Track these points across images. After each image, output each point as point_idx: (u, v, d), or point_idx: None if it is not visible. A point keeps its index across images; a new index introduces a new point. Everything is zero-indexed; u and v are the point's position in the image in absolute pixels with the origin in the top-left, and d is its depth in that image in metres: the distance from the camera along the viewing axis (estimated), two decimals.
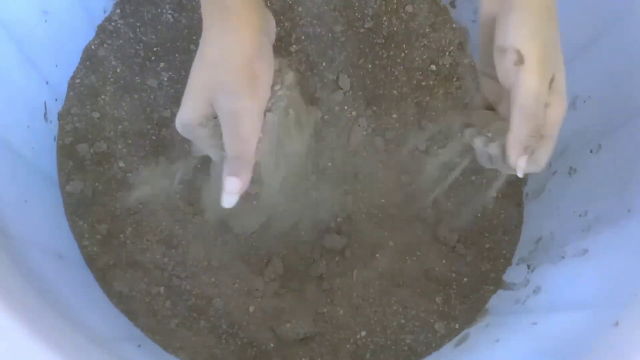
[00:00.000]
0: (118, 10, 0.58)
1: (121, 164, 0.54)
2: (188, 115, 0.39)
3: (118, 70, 0.57)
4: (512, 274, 0.55)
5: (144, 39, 0.58)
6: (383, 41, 0.60)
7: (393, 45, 0.61)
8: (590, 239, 0.48)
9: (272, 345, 0.52)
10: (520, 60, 0.38)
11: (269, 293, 0.53)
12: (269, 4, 0.60)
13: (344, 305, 0.54)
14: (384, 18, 0.61)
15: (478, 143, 0.43)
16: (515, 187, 0.59)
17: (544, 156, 0.41)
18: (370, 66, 0.60)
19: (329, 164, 0.58)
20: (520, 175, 0.41)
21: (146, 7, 0.58)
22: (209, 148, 0.40)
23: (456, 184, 0.59)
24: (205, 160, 0.54)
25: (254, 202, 0.54)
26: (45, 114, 0.52)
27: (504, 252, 0.57)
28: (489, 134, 0.42)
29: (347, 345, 0.52)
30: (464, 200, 0.58)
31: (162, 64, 0.58)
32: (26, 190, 0.47)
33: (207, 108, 0.39)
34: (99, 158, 0.54)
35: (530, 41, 0.38)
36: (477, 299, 0.55)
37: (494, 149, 0.42)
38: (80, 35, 0.56)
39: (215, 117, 0.39)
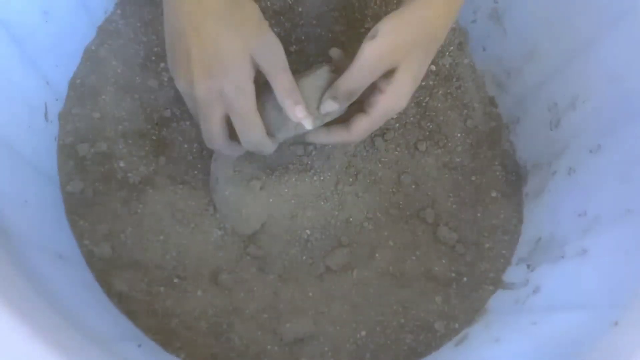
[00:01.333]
0: (119, 11, 0.58)
1: (121, 164, 0.54)
2: (242, 76, 0.44)
3: (118, 70, 0.57)
4: (512, 274, 0.55)
5: (144, 39, 0.58)
6: None
7: None
8: (590, 239, 0.48)
9: (272, 345, 0.52)
10: (373, 36, 0.44)
11: (269, 293, 0.54)
12: (269, 4, 0.60)
13: (344, 305, 0.54)
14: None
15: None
16: (515, 187, 0.59)
17: (357, 129, 0.48)
18: None
19: (329, 163, 0.58)
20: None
21: (147, 8, 0.59)
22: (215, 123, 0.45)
23: (456, 183, 0.59)
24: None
25: (256, 198, 0.54)
26: (45, 114, 0.52)
27: (504, 252, 0.57)
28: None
29: (347, 345, 0.52)
30: (464, 200, 0.59)
31: (162, 64, 0.58)
32: (26, 190, 0.47)
33: (252, 70, 0.45)
34: (100, 158, 0.54)
35: (389, 29, 0.44)
36: (476, 299, 0.55)
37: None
38: (80, 35, 0.56)
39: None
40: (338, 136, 0.49)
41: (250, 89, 0.45)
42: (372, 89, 0.47)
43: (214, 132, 0.47)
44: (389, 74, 0.45)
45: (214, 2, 0.43)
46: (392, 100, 0.46)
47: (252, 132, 0.47)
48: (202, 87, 0.44)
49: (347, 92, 0.46)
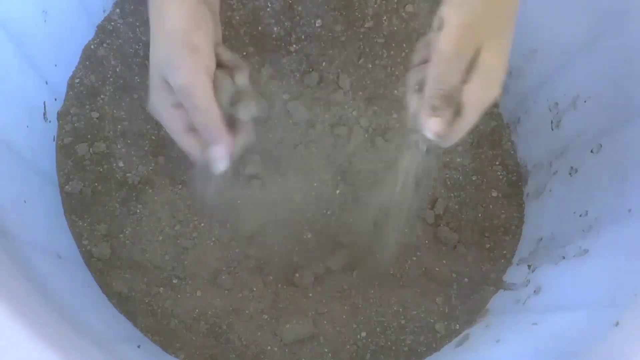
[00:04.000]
0: (117, 10, 0.58)
1: (120, 164, 0.54)
2: (153, 99, 0.41)
3: (117, 69, 0.57)
4: (513, 274, 0.55)
5: (143, 38, 0.58)
6: (383, 41, 0.60)
7: (393, 44, 0.60)
8: (591, 239, 0.48)
9: (272, 345, 0.51)
10: (440, 26, 0.39)
11: (269, 293, 0.53)
12: (269, 4, 0.60)
13: (344, 305, 0.54)
14: (384, 17, 0.61)
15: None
16: (515, 187, 0.59)
17: (454, 134, 0.41)
18: (370, 66, 0.60)
19: (330, 164, 0.57)
20: (430, 137, 0.41)
21: (146, 7, 0.58)
22: (177, 134, 0.42)
23: (457, 183, 0.59)
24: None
25: (256, 198, 0.54)
26: (44, 113, 0.52)
27: (505, 252, 0.57)
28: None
29: (347, 346, 0.52)
30: (464, 201, 0.58)
31: None
32: (25, 190, 0.47)
33: (167, 88, 0.39)
34: (98, 158, 0.54)
35: (454, 10, 0.39)
36: (477, 299, 0.54)
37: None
38: (79, 34, 0.56)
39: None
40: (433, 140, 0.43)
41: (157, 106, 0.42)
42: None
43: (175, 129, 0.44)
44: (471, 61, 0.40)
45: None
46: (483, 87, 0.40)
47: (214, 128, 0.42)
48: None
49: (442, 99, 0.40)
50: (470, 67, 0.39)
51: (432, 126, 0.41)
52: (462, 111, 0.40)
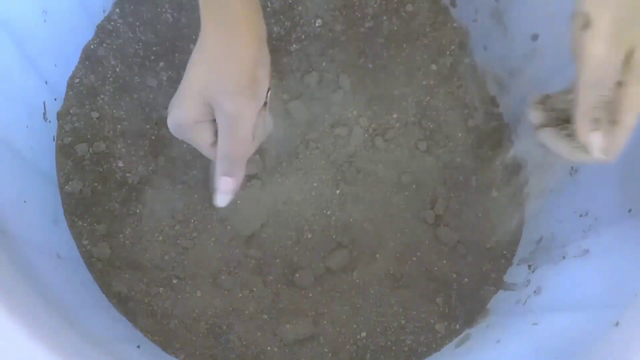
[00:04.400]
0: (117, 10, 0.58)
1: (120, 164, 0.54)
2: (184, 115, 0.40)
3: (117, 69, 0.56)
4: (513, 275, 0.55)
5: (143, 38, 0.58)
6: (383, 40, 0.60)
7: (393, 44, 0.60)
8: (591, 239, 0.48)
9: (272, 346, 0.51)
10: (586, 24, 0.35)
11: (269, 293, 0.53)
12: (269, 3, 0.60)
13: (344, 305, 0.54)
14: (384, 17, 0.61)
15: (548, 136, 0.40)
16: (516, 187, 0.59)
17: (614, 145, 0.37)
18: (370, 66, 0.60)
19: (330, 164, 0.57)
20: (596, 155, 0.37)
21: (145, 7, 0.58)
22: (204, 148, 0.41)
23: (457, 183, 0.59)
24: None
25: (256, 198, 0.54)
26: (44, 113, 0.52)
27: (505, 252, 0.57)
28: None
29: (347, 346, 0.52)
30: (464, 201, 0.58)
31: (161, 64, 0.57)
32: (25, 190, 0.47)
33: (204, 108, 0.39)
34: (98, 158, 0.54)
35: (600, 4, 0.34)
36: (477, 300, 0.54)
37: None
38: (79, 34, 0.56)
39: (211, 119, 0.39)
40: (596, 159, 0.39)
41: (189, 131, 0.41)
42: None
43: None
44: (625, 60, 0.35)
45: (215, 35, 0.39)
46: None
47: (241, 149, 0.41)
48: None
49: (602, 108, 0.36)
50: (624, 68, 0.35)
51: (596, 141, 0.37)
52: (619, 118, 0.36)
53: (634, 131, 0.46)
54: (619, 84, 0.35)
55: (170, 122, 0.41)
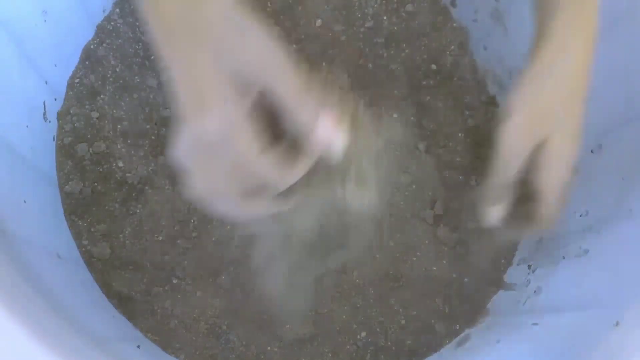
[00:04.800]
0: (117, 10, 0.58)
1: (120, 164, 0.54)
2: (227, 115, 0.30)
3: (117, 69, 0.57)
4: (513, 275, 0.55)
5: (143, 38, 0.58)
6: (383, 40, 0.60)
7: (393, 44, 0.60)
8: (591, 239, 0.48)
9: (272, 346, 0.51)
10: (507, 116, 0.39)
11: (268, 293, 0.53)
12: (269, 4, 0.60)
13: (344, 306, 0.54)
14: (384, 17, 0.61)
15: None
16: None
17: (544, 219, 0.41)
18: (370, 66, 0.60)
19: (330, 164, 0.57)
20: (489, 224, 0.42)
21: None
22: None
23: (457, 183, 0.59)
24: None
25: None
26: (44, 113, 0.52)
27: (505, 252, 0.57)
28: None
29: (348, 346, 0.52)
30: (464, 201, 0.58)
31: (161, 64, 0.57)
32: (25, 190, 0.47)
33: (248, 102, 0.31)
34: (98, 158, 0.54)
35: (520, 99, 0.39)
36: (477, 300, 0.54)
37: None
38: (79, 34, 0.56)
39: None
40: (524, 235, 0.45)
41: (241, 122, 0.31)
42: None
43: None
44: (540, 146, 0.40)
45: (193, 23, 0.30)
46: (555, 173, 0.40)
47: (268, 174, 0.34)
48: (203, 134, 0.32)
49: (503, 190, 0.41)
50: (539, 151, 0.39)
51: (492, 216, 0.42)
52: (540, 197, 0.40)
53: (634, 131, 0.46)
54: (534, 167, 0.40)
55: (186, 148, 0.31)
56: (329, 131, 0.34)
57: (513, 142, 0.39)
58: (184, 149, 0.32)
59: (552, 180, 0.40)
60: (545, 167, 0.39)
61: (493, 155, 0.40)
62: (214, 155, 0.31)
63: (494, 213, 0.42)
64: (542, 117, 0.39)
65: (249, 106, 0.31)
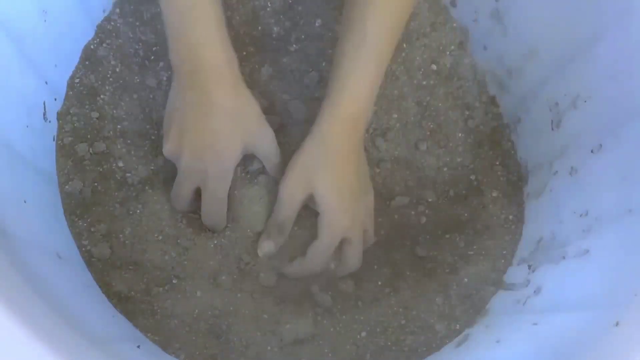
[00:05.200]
0: (117, 10, 0.58)
1: (120, 164, 0.54)
2: (229, 165, 0.51)
3: (117, 69, 0.57)
4: (513, 275, 0.55)
5: (143, 38, 0.58)
6: None
7: None
8: (592, 239, 0.48)
9: (272, 346, 0.51)
10: (283, 169, 0.53)
11: (268, 293, 0.53)
12: (269, 3, 0.60)
13: (344, 305, 0.54)
14: None
15: None
16: (515, 187, 0.59)
17: (311, 254, 0.52)
18: None
19: None
20: (261, 254, 0.53)
21: (145, 7, 0.58)
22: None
23: (457, 183, 0.59)
24: None
25: (259, 197, 0.54)
26: (44, 113, 0.52)
27: (505, 252, 0.57)
28: None
29: (347, 346, 0.52)
30: (464, 201, 0.58)
31: (161, 64, 0.58)
32: (25, 190, 0.47)
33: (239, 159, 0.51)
34: (98, 158, 0.54)
35: (293, 163, 0.51)
36: (477, 300, 0.54)
37: None
38: (79, 34, 0.56)
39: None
40: (298, 266, 0.53)
41: (229, 176, 0.51)
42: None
43: (180, 198, 0.52)
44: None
45: (222, 94, 0.48)
46: (328, 217, 0.50)
47: (216, 214, 0.52)
48: (188, 164, 0.50)
49: (277, 228, 0.52)
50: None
51: (265, 247, 0.52)
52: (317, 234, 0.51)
53: (634, 131, 0.46)
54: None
55: (216, 188, 0.52)
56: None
57: (284, 196, 0.51)
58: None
59: (320, 223, 0.50)
60: (318, 212, 0.50)
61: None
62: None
63: (265, 245, 0.52)
64: (312, 169, 0.49)
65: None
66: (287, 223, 0.51)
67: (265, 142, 0.51)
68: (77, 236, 0.52)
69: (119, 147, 0.55)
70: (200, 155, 0.49)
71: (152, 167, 0.55)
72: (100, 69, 0.56)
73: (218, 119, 0.48)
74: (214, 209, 0.52)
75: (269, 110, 0.57)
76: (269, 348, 0.51)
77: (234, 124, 0.49)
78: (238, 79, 0.49)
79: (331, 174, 0.49)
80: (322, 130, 0.49)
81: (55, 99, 0.54)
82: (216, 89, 0.48)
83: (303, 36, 0.60)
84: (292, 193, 0.50)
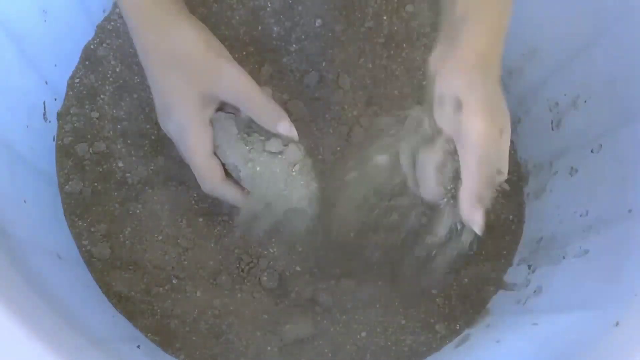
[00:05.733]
0: (117, 10, 0.58)
1: (120, 164, 0.54)
2: (184, 116, 0.44)
3: (117, 69, 0.56)
4: (513, 275, 0.55)
5: None
6: (383, 40, 0.60)
7: (393, 44, 0.60)
8: (591, 239, 0.48)
9: (272, 346, 0.51)
10: (458, 106, 0.37)
11: (268, 293, 0.53)
12: (269, 3, 0.60)
13: (344, 305, 0.54)
14: (385, 17, 0.61)
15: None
16: (515, 187, 0.59)
17: (461, 199, 0.40)
18: (370, 66, 0.60)
19: (329, 162, 0.57)
20: (479, 232, 0.39)
21: None
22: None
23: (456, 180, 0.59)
24: None
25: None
26: (44, 113, 0.52)
27: (505, 252, 0.57)
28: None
29: (347, 346, 0.52)
30: None
31: None
32: (25, 190, 0.47)
33: (203, 111, 0.44)
34: (98, 158, 0.54)
35: (467, 88, 0.37)
36: (477, 300, 0.54)
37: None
38: (79, 34, 0.56)
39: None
40: (454, 217, 0.43)
41: (194, 129, 0.43)
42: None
43: (198, 172, 0.46)
44: None
45: (153, 37, 0.42)
46: (467, 145, 0.38)
47: (201, 179, 0.45)
48: (162, 130, 0.46)
49: (489, 185, 0.39)
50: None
51: (478, 219, 0.39)
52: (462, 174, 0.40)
53: (634, 131, 0.46)
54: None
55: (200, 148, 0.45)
56: (287, 128, 0.44)
57: (481, 127, 0.37)
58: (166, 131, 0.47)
59: (466, 152, 0.38)
60: (458, 136, 0.38)
61: (464, 151, 0.39)
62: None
63: (478, 218, 0.40)
64: (494, 104, 0.38)
65: (208, 118, 0.44)
66: (495, 162, 0.39)
67: (230, 85, 0.42)
68: (77, 236, 0.52)
69: (119, 147, 0.55)
70: (159, 115, 0.44)
71: (152, 167, 0.55)
72: (100, 69, 0.56)
73: (158, 74, 0.42)
74: (197, 173, 0.46)
75: None
76: (269, 348, 0.51)
77: (178, 73, 0.42)
78: (171, 13, 0.41)
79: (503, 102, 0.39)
80: (477, 51, 0.38)
81: (55, 99, 0.54)
82: (144, 33, 0.41)
83: (303, 36, 0.60)
84: (488, 128, 0.37)
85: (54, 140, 0.54)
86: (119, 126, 0.55)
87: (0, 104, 0.46)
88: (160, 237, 0.53)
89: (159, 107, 0.45)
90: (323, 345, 0.52)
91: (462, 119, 0.37)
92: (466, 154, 0.38)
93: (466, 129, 0.37)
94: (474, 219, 0.39)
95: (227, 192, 0.46)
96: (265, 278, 0.54)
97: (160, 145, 0.56)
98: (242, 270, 0.54)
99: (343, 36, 0.60)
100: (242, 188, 0.46)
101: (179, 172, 0.55)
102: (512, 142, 0.61)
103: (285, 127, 0.44)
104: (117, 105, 0.56)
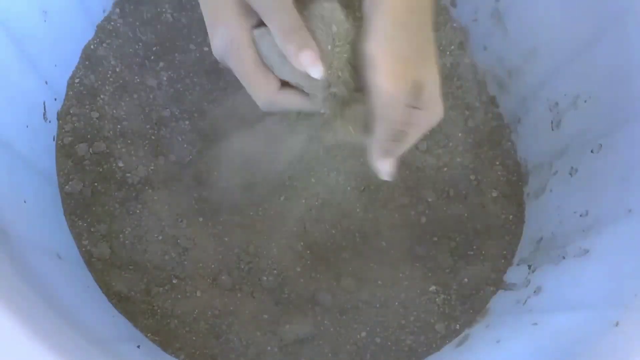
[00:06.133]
0: (117, 10, 0.58)
1: (120, 164, 0.54)
2: (230, 29, 0.38)
3: (117, 69, 0.57)
4: (513, 275, 0.55)
5: (143, 38, 0.58)
6: None
7: None
8: (592, 239, 0.48)
9: (272, 346, 0.51)
10: (372, 64, 0.37)
11: (268, 293, 0.53)
12: None
13: (344, 305, 0.54)
14: None
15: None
16: (515, 187, 0.59)
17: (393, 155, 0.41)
18: None
19: (330, 162, 0.57)
20: (384, 178, 0.41)
21: (145, 7, 0.58)
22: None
23: (457, 183, 0.59)
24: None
25: None
26: (44, 113, 0.52)
27: (505, 252, 0.57)
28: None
29: (347, 346, 0.52)
30: (464, 201, 0.58)
31: (161, 64, 0.57)
32: (25, 190, 0.47)
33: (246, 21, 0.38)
34: (98, 158, 0.54)
35: (380, 47, 0.37)
36: (477, 300, 0.54)
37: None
38: (79, 34, 0.56)
39: None
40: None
41: (238, 35, 0.38)
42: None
43: (252, 88, 0.40)
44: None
45: None
46: (433, 112, 0.40)
47: (254, 91, 0.40)
48: (214, 55, 0.40)
49: (395, 137, 0.39)
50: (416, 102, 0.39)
51: (386, 168, 0.41)
52: (405, 133, 0.40)
53: (634, 131, 0.46)
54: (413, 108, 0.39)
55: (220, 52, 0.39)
56: (308, 60, 0.37)
57: (386, 88, 0.37)
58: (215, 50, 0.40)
59: (427, 121, 0.40)
60: (423, 108, 0.39)
61: (374, 105, 0.39)
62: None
63: (385, 167, 0.42)
64: (414, 60, 0.38)
65: (250, 27, 0.39)
66: (397, 129, 0.39)
67: None
68: (77, 236, 0.52)
69: (119, 147, 0.55)
70: (216, 50, 0.40)
71: (152, 167, 0.55)
72: (100, 69, 0.56)
73: None
74: (248, 87, 0.40)
75: None
76: (269, 348, 0.51)
77: None
78: None
79: (432, 55, 0.39)
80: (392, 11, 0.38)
81: (55, 99, 0.54)
82: None
83: None
84: (393, 89, 0.37)
85: (54, 140, 0.54)
86: (119, 126, 0.55)
87: (0, 103, 0.46)
88: (160, 237, 0.53)
89: (209, 27, 0.39)
90: (323, 345, 0.52)
91: (372, 78, 0.38)
92: (376, 112, 0.39)
93: (373, 84, 0.38)
94: (380, 168, 0.41)
95: (288, 99, 0.41)
96: (265, 278, 0.54)
97: (160, 145, 0.56)
98: (242, 270, 0.54)
99: None
100: (302, 92, 0.41)
101: (179, 172, 0.55)
102: (512, 142, 0.61)
103: (309, 58, 0.37)
104: (117, 105, 0.56)
